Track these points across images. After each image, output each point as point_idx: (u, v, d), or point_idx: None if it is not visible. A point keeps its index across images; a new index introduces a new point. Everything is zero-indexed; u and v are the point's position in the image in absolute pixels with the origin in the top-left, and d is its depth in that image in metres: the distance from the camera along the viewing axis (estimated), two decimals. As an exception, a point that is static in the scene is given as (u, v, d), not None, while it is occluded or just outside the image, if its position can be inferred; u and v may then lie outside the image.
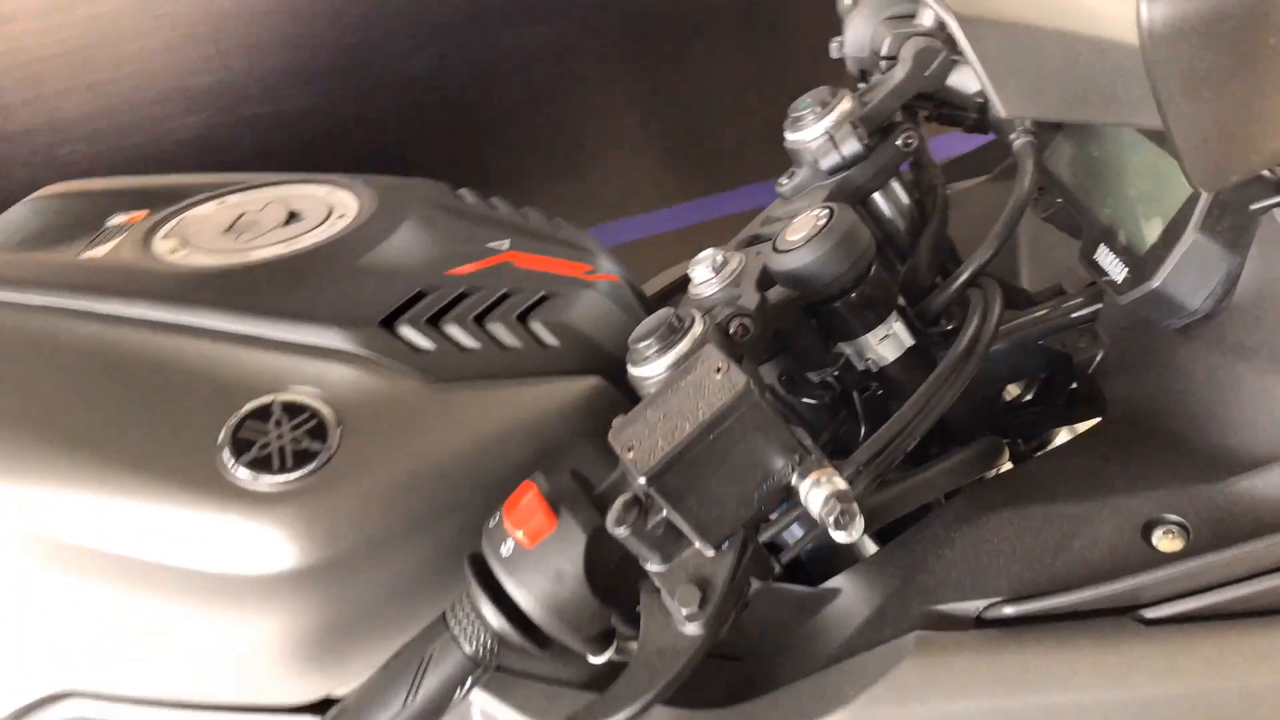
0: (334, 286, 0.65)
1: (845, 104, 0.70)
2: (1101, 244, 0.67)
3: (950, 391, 0.59)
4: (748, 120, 1.71)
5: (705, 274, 0.69)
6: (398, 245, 0.69)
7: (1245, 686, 0.53)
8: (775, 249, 0.64)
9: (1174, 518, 0.54)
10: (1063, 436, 0.79)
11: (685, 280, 1.01)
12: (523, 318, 0.66)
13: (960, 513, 0.61)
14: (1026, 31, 0.52)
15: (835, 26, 0.86)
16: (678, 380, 0.51)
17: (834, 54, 0.85)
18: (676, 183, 1.76)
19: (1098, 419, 0.68)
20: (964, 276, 0.67)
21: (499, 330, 0.65)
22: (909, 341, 0.67)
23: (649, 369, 0.56)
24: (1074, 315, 0.72)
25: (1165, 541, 0.54)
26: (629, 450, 0.49)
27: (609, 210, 1.72)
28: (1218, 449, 0.57)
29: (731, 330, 0.59)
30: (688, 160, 1.74)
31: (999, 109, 0.51)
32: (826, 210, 0.62)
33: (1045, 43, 0.50)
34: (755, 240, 0.72)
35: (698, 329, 0.57)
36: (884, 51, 0.77)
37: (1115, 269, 0.64)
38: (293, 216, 0.72)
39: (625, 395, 0.65)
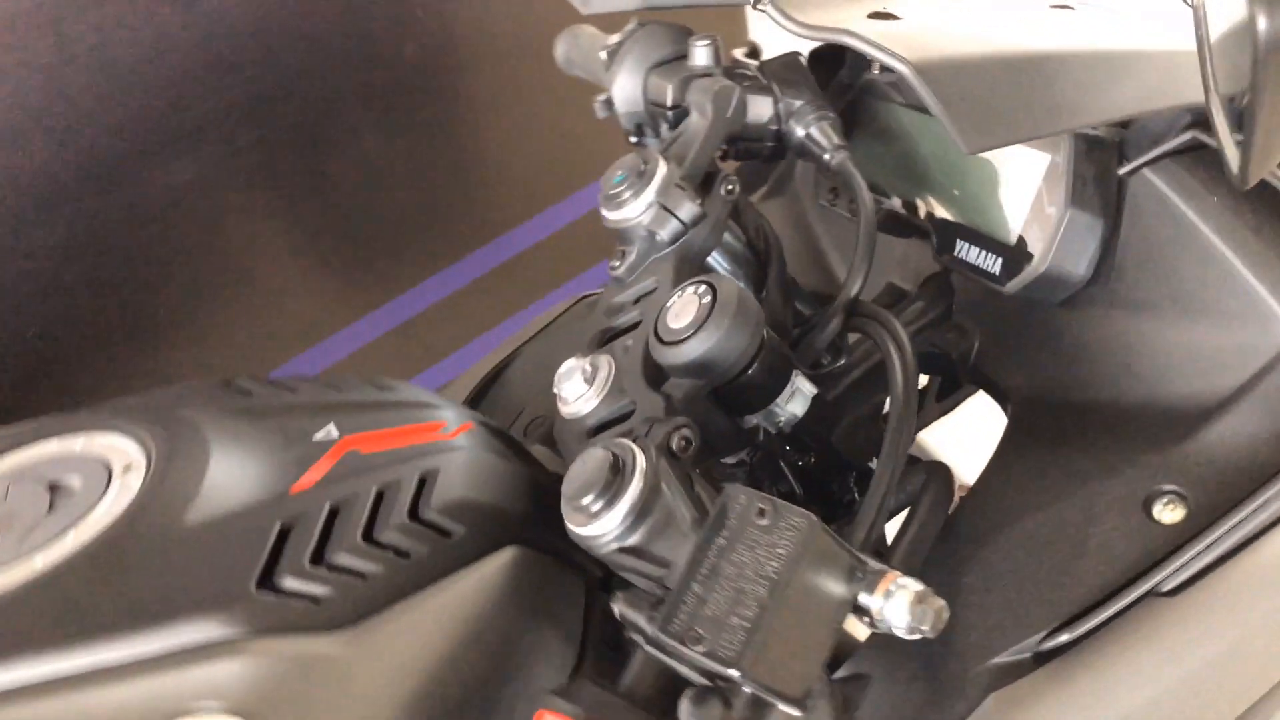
0: (172, 565, 0.48)
1: (662, 168, 0.65)
2: (958, 239, 0.67)
3: (909, 436, 0.56)
4: (423, 214, 1.61)
5: (578, 388, 0.61)
6: (221, 482, 0.53)
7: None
8: (661, 340, 0.57)
9: (1169, 487, 0.54)
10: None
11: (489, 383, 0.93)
12: (414, 513, 0.54)
13: (959, 558, 0.57)
14: (979, 66, 0.50)
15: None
16: (717, 540, 0.42)
17: (600, 114, 0.80)
18: (362, 292, 1.62)
19: (1006, 421, 0.68)
20: (841, 310, 0.65)
21: (395, 538, 0.52)
22: (812, 390, 0.63)
23: (603, 526, 0.48)
24: (931, 313, 0.72)
25: (1167, 512, 0.54)
26: (697, 643, 0.40)
27: (300, 339, 1.55)
28: (1163, 408, 0.58)
29: (674, 447, 0.52)
30: (365, 267, 1.60)
31: (962, 146, 0.49)
32: (704, 286, 0.56)
33: (999, 71, 0.49)
34: (611, 335, 0.65)
35: (641, 461, 0.49)
36: (668, 101, 0.72)
37: (986, 261, 0.64)
38: (58, 491, 0.54)
39: (542, 550, 0.56)
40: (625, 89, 0.75)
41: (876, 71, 0.74)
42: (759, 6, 0.59)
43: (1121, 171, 0.58)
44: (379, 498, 0.54)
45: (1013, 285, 0.62)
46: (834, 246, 0.83)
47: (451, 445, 0.60)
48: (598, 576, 0.62)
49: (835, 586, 0.43)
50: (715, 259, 0.69)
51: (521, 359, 0.94)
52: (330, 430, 0.59)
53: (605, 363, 0.62)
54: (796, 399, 0.61)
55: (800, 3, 0.57)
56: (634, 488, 0.48)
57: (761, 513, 0.42)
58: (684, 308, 0.57)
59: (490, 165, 1.66)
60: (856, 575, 0.43)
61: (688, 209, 0.64)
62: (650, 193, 0.64)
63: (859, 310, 0.64)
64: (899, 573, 0.43)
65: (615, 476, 0.49)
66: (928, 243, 0.74)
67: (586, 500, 0.48)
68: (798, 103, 0.72)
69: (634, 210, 0.65)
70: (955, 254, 0.66)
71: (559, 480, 0.51)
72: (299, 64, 1.38)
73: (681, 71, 0.72)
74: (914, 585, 0.43)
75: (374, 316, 1.60)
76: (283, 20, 1.34)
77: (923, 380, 0.78)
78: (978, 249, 0.65)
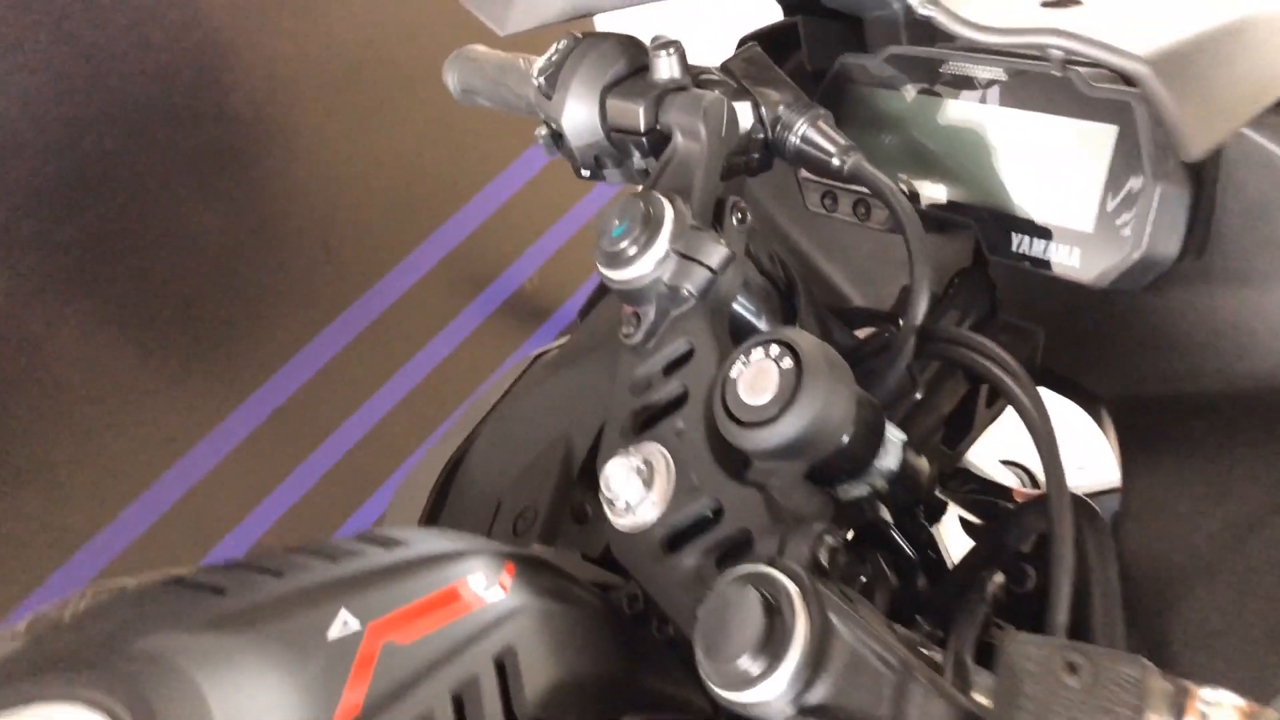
0: None
1: (669, 209, 0.54)
2: (1013, 233, 0.58)
3: (1063, 482, 0.47)
4: (276, 284, 1.41)
5: (635, 492, 0.50)
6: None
7: None
8: (738, 420, 0.46)
9: None
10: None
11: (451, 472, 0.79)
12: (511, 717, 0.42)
13: (1153, 615, 0.48)
14: (1193, 51, 0.41)
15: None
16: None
17: (547, 153, 0.67)
18: (226, 385, 1.41)
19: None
20: (910, 337, 0.55)
21: None
22: (902, 437, 0.53)
23: (770, 689, 0.37)
24: (973, 316, 0.64)
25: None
26: None
27: (163, 452, 1.33)
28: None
29: (826, 564, 0.42)
30: (223, 356, 1.39)
31: (1187, 152, 0.40)
32: (777, 347, 0.46)
33: (1209, 53, 0.40)
34: (649, 417, 0.54)
35: (796, 596, 0.39)
36: (641, 125, 0.61)
37: (1058, 254, 0.56)
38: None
39: (653, 704, 0.45)
40: (578, 117, 0.63)
41: (883, 56, 0.64)
42: (921, 11, 0.48)
43: None
44: (459, 707, 0.41)
45: (1102, 277, 0.54)
46: (829, 257, 0.73)
47: (509, 609, 0.47)
48: (710, 714, 0.51)
49: None
50: (738, 300, 0.59)
51: (483, 440, 0.81)
52: (346, 620, 0.45)
53: (659, 456, 0.51)
54: (890, 452, 0.52)
55: (978, 4, 0.47)
56: (799, 633, 0.37)
57: (1072, 668, 0.32)
58: (758, 378, 0.46)
59: (342, 214, 1.49)
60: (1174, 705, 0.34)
61: (714, 252, 0.53)
62: (663, 241, 0.53)
63: (933, 335, 0.55)
64: (1197, 687, 0.34)
65: (772, 622, 0.38)
66: (947, 237, 0.66)
67: (743, 663, 0.37)
68: (781, 105, 0.62)
69: (647, 265, 0.53)
70: (1014, 250, 0.58)
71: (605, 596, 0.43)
72: (113, 143, 1.17)
73: (647, 88, 0.61)
74: (1229, 698, 0.34)
75: (245, 408, 1.40)
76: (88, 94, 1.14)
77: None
78: (1043, 241, 0.56)
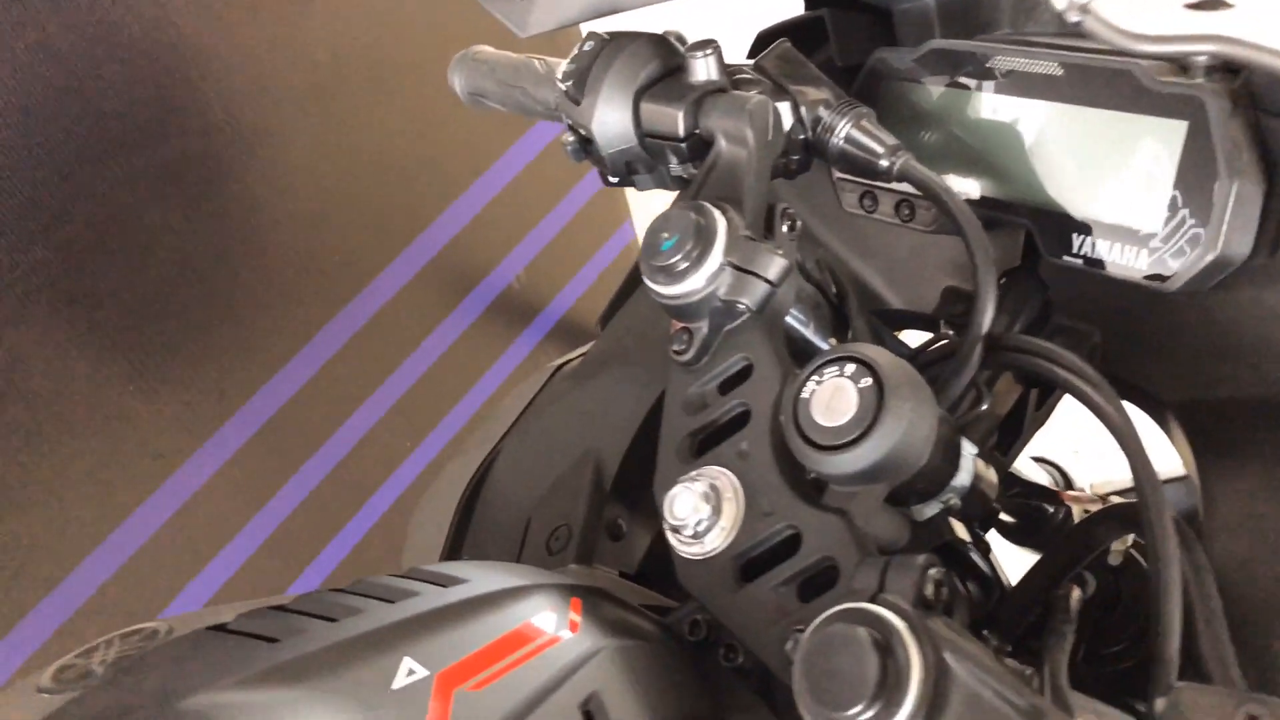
0: None
1: (720, 220, 0.51)
2: (1073, 234, 0.56)
3: (1162, 502, 0.45)
4: (254, 300, 1.36)
5: (704, 518, 0.48)
6: None
7: None
8: (815, 444, 0.44)
9: None
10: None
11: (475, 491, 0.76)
12: None
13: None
14: None
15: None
16: None
17: (575, 158, 0.64)
18: (212, 403, 1.35)
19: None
20: (977, 349, 0.53)
21: None
22: (974, 450, 0.51)
23: None
24: (1024, 318, 0.62)
25: None
26: None
27: (148, 477, 1.27)
28: None
29: (932, 596, 0.40)
30: (203, 379, 1.33)
31: None
32: (854, 365, 0.43)
33: None
34: (708, 438, 0.52)
35: (903, 628, 0.36)
36: (680, 131, 0.58)
37: (1124, 256, 0.54)
38: None
39: None
40: (610, 122, 0.60)
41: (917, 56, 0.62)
42: (1071, 18, 0.45)
43: None
44: None
45: (1174, 279, 0.52)
46: (865, 259, 0.71)
47: (586, 650, 0.44)
48: None
49: None
50: (790, 312, 0.57)
51: (505, 456, 0.78)
52: (411, 669, 0.42)
53: (726, 479, 0.49)
54: (964, 467, 0.50)
55: (1120, 9, 0.44)
56: (915, 675, 0.35)
57: None
58: (835, 398, 0.43)
59: (328, 220, 1.44)
60: None
61: (772, 265, 0.51)
62: (717, 253, 0.51)
63: (1001, 344, 0.53)
64: None
65: (884, 664, 0.36)
66: (993, 236, 0.64)
67: (856, 711, 0.35)
68: (822, 105, 0.59)
69: (700, 279, 0.51)
70: (1074, 251, 0.56)
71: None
72: (87, 155, 1.13)
73: (684, 91, 0.58)
74: None
75: (237, 420, 1.36)
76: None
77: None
78: (1107, 242, 0.54)
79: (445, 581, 0.47)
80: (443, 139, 1.57)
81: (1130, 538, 0.63)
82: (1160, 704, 0.33)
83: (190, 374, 1.28)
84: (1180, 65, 0.50)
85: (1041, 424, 0.66)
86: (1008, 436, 0.65)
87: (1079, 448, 1.07)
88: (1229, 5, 0.45)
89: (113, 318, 1.17)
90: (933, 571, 0.40)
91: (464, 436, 1.70)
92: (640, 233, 2.11)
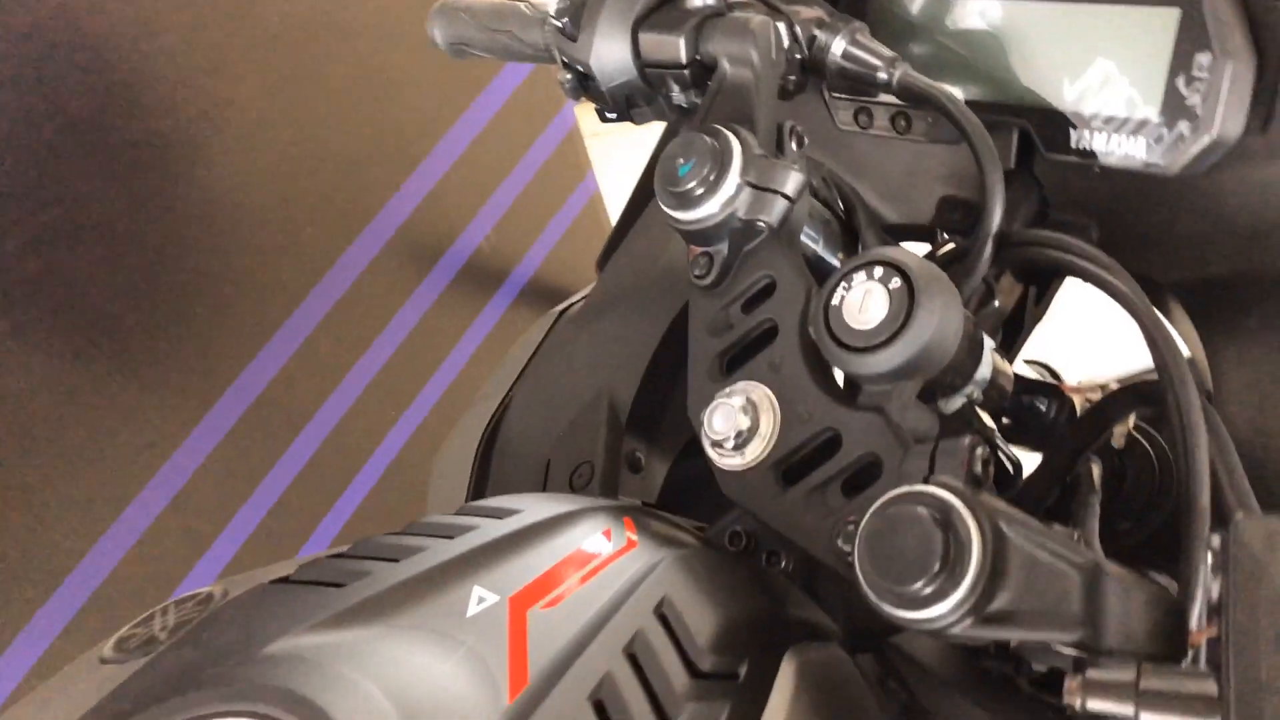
0: None
1: (734, 141, 0.52)
2: (1071, 129, 0.58)
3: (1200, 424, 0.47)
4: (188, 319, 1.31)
5: (742, 428, 0.49)
6: None
7: None
8: (849, 346, 0.45)
9: None
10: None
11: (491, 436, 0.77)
12: (691, 667, 0.41)
13: None
14: None
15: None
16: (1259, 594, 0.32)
17: (572, 96, 0.64)
18: (161, 425, 1.32)
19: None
20: (988, 246, 0.55)
21: (695, 710, 0.39)
22: (993, 343, 0.53)
23: (948, 604, 0.37)
24: (1023, 216, 0.64)
25: None
26: None
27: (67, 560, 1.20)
28: None
29: (980, 473, 0.42)
30: (144, 403, 1.29)
31: None
32: (883, 268, 0.45)
33: None
34: (737, 356, 0.53)
35: (959, 504, 0.38)
36: (682, 57, 0.58)
37: (1123, 145, 0.56)
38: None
39: (804, 635, 0.45)
40: (609, 56, 0.61)
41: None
42: None
43: None
44: (635, 664, 0.40)
45: (1173, 163, 0.54)
46: (859, 176, 0.72)
47: (649, 561, 0.46)
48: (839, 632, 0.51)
49: None
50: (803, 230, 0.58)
51: (518, 403, 0.79)
52: (482, 597, 0.43)
53: (760, 391, 0.50)
54: (985, 360, 0.52)
55: None
56: (975, 545, 0.37)
57: None
58: (866, 301, 0.45)
59: (295, 196, 1.43)
60: None
61: (790, 179, 0.52)
62: (734, 174, 0.51)
63: (1011, 239, 0.55)
64: None
65: (946, 538, 0.37)
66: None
67: (923, 584, 0.37)
68: (815, 23, 0.60)
69: (719, 200, 0.52)
70: (1074, 146, 0.58)
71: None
72: (45, 148, 1.10)
73: (683, 17, 0.59)
74: None
75: (223, 404, 1.34)
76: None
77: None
78: (1105, 133, 0.56)
79: (500, 514, 0.48)
80: (399, 107, 1.55)
81: (1132, 419, 0.65)
82: (1216, 539, 0.35)
83: (172, 361, 1.27)
84: None
85: (1039, 320, 0.69)
86: (1008, 335, 0.67)
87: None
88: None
89: (94, 305, 1.16)
90: (979, 451, 0.42)
91: (445, 402, 1.71)
92: (602, 185, 2.11)
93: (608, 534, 0.48)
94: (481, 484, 0.77)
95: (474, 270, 1.75)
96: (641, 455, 0.73)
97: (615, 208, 2.15)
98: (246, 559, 1.36)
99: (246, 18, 1.30)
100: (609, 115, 0.66)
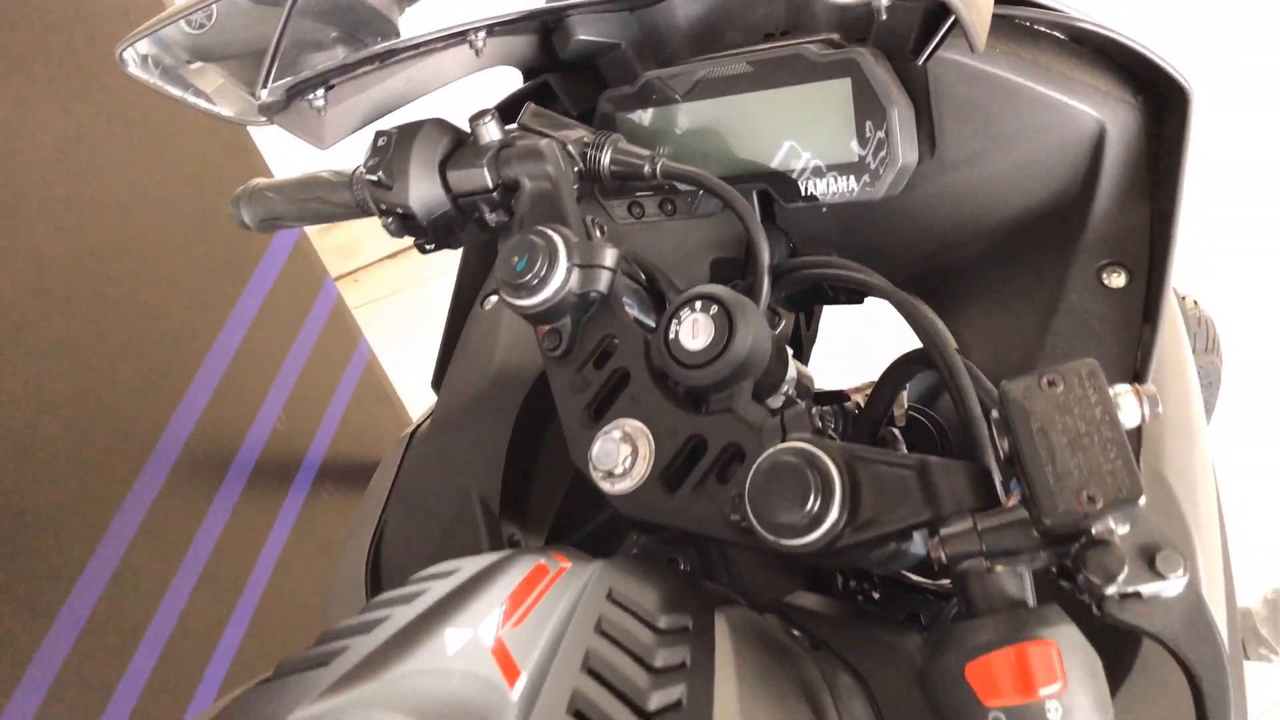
0: None
1: (555, 233, 0.64)
2: (798, 182, 0.74)
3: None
4: None
5: (626, 455, 0.60)
6: None
7: None
8: (690, 366, 0.58)
9: (1105, 261, 0.67)
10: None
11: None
12: (655, 629, 0.50)
13: None
14: None
15: None
16: (1029, 427, 0.45)
17: (395, 234, 0.74)
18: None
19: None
20: (765, 279, 0.69)
21: (666, 656, 0.48)
22: (791, 351, 0.67)
23: (827, 526, 0.49)
24: (778, 258, 0.80)
25: (1114, 279, 0.67)
26: (1095, 503, 0.42)
27: None
28: (1032, 218, 0.71)
29: (821, 425, 0.55)
30: None
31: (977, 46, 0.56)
32: (702, 300, 0.58)
33: None
34: (603, 404, 0.63)
35: (815, 449, 0.51)
36: (489, 184, 0.70)
37: (840, 185, 0.73)
38: None
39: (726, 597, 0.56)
40: (425, 195, 0.72)
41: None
42: None
43: (920, 61, 0.69)
44: (607, 639, 0.48)
45: (880, 190, 0.71)
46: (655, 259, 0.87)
47: (588, 569, 0.55)
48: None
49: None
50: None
51: (392, 524, 0.85)
52: (456, 635, 0.51)
53: (632, 424, 0.61)
54: (790, 364, 0.66)
55: None
56: (836, 475, 0.50)
57: (1051, 383, 0.45)
58: (696, 328, 0.58)
59: (81, 423, 1.41)
60: None
61: (608, 254, 0.64)
62: (563, 259, 0.63)
63: (785, 269, 0.70)
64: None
65: (813, 473, 0.49)
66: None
67: (807, 510, 0.49)
68: (583, 141, 0.73)
69: (556, 282, 0.63)
70: (804, 194, 0.74)
71: None
72: None
73: (480, 153, 0.71)
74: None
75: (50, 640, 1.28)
76: None
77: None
78: (823, 179, 0.73)
79: (444, 574, 0.56)
80: (169, 313, 1.57)
81: (903, 397, 0.81)
82: (995, 412, 0.47)
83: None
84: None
85: (813, 342, 0.84)
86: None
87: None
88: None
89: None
90: (815, 410, 0.55)
91: (271, 589, 1.68)
92: (378, 350, 2.17)
93: (544, 565, 0.57)
94: None
95: (274, 454, 1.76)
96: (519, 537, 0.81)
97: (392, 367, 2.21)
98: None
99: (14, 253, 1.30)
100: (428, 246, 0.76)
